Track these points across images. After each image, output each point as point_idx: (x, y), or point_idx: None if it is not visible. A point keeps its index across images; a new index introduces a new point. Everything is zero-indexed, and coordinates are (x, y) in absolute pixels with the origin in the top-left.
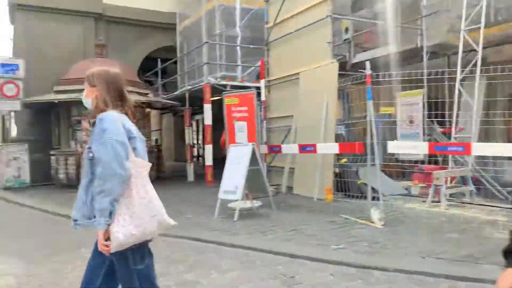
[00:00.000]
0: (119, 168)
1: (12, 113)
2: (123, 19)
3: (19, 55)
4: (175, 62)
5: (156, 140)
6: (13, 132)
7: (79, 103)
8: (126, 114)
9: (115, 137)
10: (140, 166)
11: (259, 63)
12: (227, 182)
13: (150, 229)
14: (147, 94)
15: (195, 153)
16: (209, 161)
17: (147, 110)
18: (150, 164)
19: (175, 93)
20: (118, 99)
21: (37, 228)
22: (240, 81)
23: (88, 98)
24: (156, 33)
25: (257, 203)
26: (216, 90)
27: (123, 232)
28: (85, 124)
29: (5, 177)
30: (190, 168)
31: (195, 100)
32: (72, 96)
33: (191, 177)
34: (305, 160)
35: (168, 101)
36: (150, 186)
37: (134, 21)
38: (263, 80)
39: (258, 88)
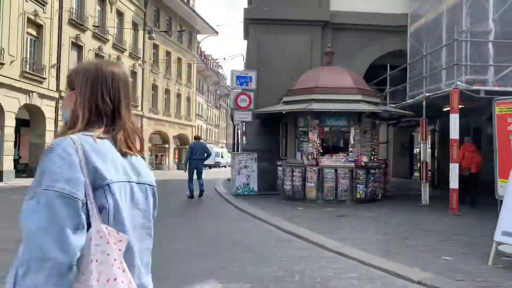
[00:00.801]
0: (54, 247)
1: (244, 123)
2: (349, 25)
3: (251, 68)
4: (404, 68)
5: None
6: (244, 141)
7: (305, 113)
8: (115, 141)
9: (58, 186)
10: (112, 241)
11: None
12: (509, 221)
13: None
14: (377, 103)
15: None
16: (454, 183)
17: (376, 121)
18: (127, 238)
19: (408, 101)
20: (104, 113)
21: (271, 248)
22: (496, 85)
23: (66, 110)
24: (383, 38)
25: None
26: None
27: None
28: (311, 135)
29: (236, 183)
30: (425, 189)
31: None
32: (299, 106)
33: (425, 200)
34: None
35: (401, 111)
36: (123, 275)
37: (360, 26)
38: None
39: None
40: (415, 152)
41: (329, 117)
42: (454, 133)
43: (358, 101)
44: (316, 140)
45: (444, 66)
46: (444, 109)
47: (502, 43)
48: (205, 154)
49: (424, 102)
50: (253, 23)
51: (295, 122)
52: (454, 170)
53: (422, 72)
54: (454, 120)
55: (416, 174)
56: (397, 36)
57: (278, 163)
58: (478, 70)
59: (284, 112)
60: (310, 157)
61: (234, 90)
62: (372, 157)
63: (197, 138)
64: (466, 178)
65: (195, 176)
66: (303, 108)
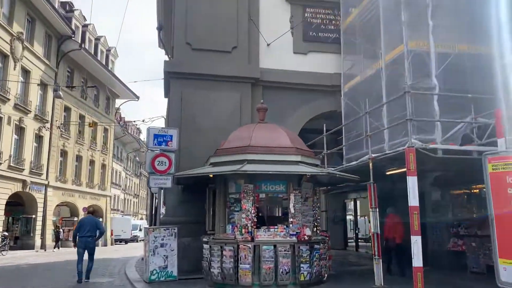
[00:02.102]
0: None
1: (162, 190)
2: (280, 83)
3: (173, 126)
4: (338, 130)
5: None
6: (162, 212)
7: (237, 177)
8: None
9: None
10: None
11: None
12: None
13: None
14: (318, 165)
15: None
16: (418, 260)
17: (316, 187)
18: None
19: (350, 164)
20: None
21: None
22: (450, 144)
23: None
24: (315, 98)
25: None
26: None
27: None
28: (245, 204)
29: (150, 267)
30: (379, 268)
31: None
32: (230, 168)
33: (379, 280)
34: None
35: (347, 175)
36: None
37: (291, 84)
38: (502, 139)
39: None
40: (348, 220)
41: (265, 181)
42: (413, 199)
43: (297, 163)
44: (250, 209)
45: (386, 125)
46: (388, 173)
47: (447, 101)
48: (97, 231)
49: (371, 164)
50: (175, 77)
51: (225, 188)
52: (416, 244)
53: (359, 134)
54: (413, 184)
55: (351, 244)
56: (330, 96)
57: (204, 239)
58: (424, 129)
59: (211, 175)
60: (243, 230)
61: (150, 151)
62: (315, 229)
63: (90, 212)
64: (391, 248)
65: (86, 257)
66: (235, 170)
